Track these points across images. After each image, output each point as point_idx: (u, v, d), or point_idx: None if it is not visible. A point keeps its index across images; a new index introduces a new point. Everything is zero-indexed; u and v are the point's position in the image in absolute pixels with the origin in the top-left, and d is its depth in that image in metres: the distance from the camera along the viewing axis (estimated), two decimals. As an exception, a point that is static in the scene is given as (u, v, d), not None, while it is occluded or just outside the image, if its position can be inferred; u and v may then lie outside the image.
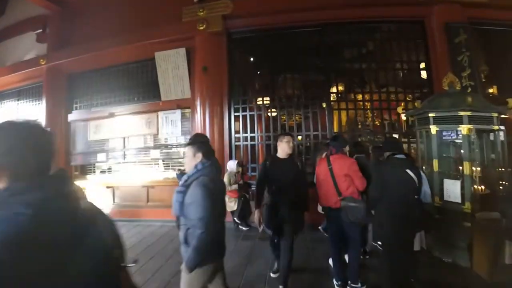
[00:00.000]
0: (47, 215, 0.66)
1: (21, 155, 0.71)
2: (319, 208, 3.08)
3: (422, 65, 5.20)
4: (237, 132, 5.45)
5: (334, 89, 5.54)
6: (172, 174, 5.54)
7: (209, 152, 1.82)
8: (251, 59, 6.15)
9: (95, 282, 0.73)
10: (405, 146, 4.79)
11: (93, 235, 0.77)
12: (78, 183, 6.01)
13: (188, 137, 4.71)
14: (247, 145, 5.41)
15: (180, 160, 5.68)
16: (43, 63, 6.57)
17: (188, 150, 1.81)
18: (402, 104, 5.18)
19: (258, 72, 6.51)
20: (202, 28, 5.12)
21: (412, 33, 5.26)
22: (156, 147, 5.97)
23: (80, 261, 0.69)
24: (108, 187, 5.87)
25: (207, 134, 5.03)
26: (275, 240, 2.78)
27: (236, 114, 5.43)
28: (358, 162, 2.63)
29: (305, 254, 3.47)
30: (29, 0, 6.40)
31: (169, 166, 5.88)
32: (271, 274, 2.92)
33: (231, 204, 4.63)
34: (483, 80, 5.21)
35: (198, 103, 5.24)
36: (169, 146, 5.88)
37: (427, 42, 5.07)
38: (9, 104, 7.80)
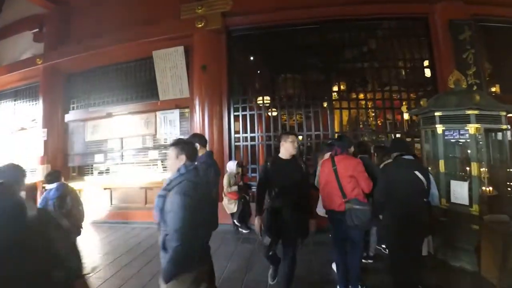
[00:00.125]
0: None
1: None
2: (320, 211, 2.97)
3: (426, 63, 5.09)
4: (236, 132, 5.35)
5: (335, 88, 5.43)
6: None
7: (194, 154, 1.73)
8: (251, 57, 6.04)
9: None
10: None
11: (38, 244, 0.81)
12: (76, 184, 5.94)
13: (187, 137, 4.61)
14: (247, 145, 5.31)
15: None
16: (39, 62, 6.50)
17: (171, 152, 1.70)
18: (404, 103, 5.07)
19: (258, 71, 6.40)
20: (200, 25, 5.01)
21: (415, 30, 5.15)
22: (154, 147, 5.87)
23: (20, 267, 0.75)
24: (105, 189, 5.77)
25: (206, 134, 4.93)
26: (271, 253, 2.52)
27: (235, 113, 5.33)
28: (363, 163, 2.52)
29: (307, 259, 3.35)
30: (25, -1, 6.32)
31: (167, 167, 5.76)
32: (270, 282, 2.71)
33: (231, 206, 4.53)
34: (487, 78, 5.10)
35: (197, 102, 5.14)
36: (168, 147, 5.76)
37: (430, 39, 4.96)
38: (6, 105, 7.72)
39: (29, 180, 6.50)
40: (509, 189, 3.32)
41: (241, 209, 4.53)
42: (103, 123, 6.28)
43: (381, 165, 3.15)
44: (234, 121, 5.34)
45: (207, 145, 4.71)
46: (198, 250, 1.59)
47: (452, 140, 3.30)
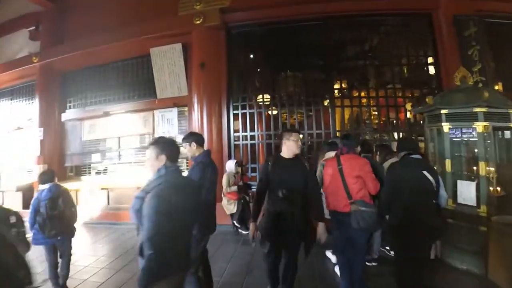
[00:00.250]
0: None
1: None
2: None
3: (430, 60, 4.97)
4: (236, 131, 5.25)
5: (337, 86, 5.33)
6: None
7: (175, 154, 1.62)
8: (251, 54, 5.93)
9: None
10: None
11: None
12: (72, 184, 5.84)
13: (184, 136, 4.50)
14: (247, 144, 5.21)
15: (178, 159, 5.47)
16: (35, 60, 6.42)
17: (150, 151, 1.60)
18: (407, 100, 4.97)
19: (258, 69, 6.29)
20: (199, 22, 4.90)
21: (419, 27, 5.03)
22: (152, 147, 5.76)
23: None
24: (102, 189, 5.66)
25: (205, 132, 4.84)
26: (271, 267, 2.27)
27: (235, 112, 5.23)
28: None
29: (308, 262, 3.24)
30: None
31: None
32: None
33: (230, 207, 4.43)
34: (490, 76, 4.97)
35: (195, 100, 5.04)
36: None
37: (434, 36, 4.85)
38: (2, 104, 7.64)
39: (26, 180, 6.42)
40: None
41: (241, 209, 4.42)
42: (100, 122, 6.19)
43: (383, 164, 3.07)
44: (234, 120, 5.24)
45: (206, 144, 4.68)
46: (176, 258, 1.50)
47: (456, 139, 3.19)
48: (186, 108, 5.48)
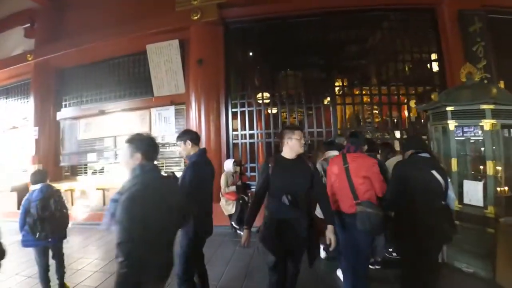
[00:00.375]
0: None
1: None
2: (320, 213, 2.75)
3: (433, 56, 4.85)
4: (235, 129, 5.14)
5: (338, 83, 5.21)
6: (168, 175, 5.22)
7: (152, 152, 1.50)
8: (250, 51, 5.81)
9: None
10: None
11: None
12: (68, 184, 5.74)
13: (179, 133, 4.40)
14: (245, 143, 5.10)
15: (176, 159, 5.37)
16: (30, 58, 6.31)
17: (125, 150, 1.48)
18: (406, 98, 4.84)
19: (257, 66, 6.17)
20: (196, 17, 4.78)
21: (422, 22, 4.90)
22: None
23: None
24: (98, 189, 5.55)
25: (203, 131, 4.74)
26: (278, 281, 1.97)
27: (234, 110, 5.11)
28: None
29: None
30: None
31: (163, 166, 5.56)
32: None
33: (229, 207, 4.32)
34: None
35: (193, 98, 4.92)
36: (165, 145, 5.54)
37: (438, 31, 4.73)
38: (-3, 102, 7.50)
39: (20, 180, 6.30)
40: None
41: (239, 210, 4.31)
42: (96, 120, 6.09)
43: (385, 163, 2.96)
44: (232, 118, 5.12)
45: (204, 143, 4.57)
46: (153, 265, 1.39)
47: (462, 138, 3.08)
48: (183, 106, 5.37)
